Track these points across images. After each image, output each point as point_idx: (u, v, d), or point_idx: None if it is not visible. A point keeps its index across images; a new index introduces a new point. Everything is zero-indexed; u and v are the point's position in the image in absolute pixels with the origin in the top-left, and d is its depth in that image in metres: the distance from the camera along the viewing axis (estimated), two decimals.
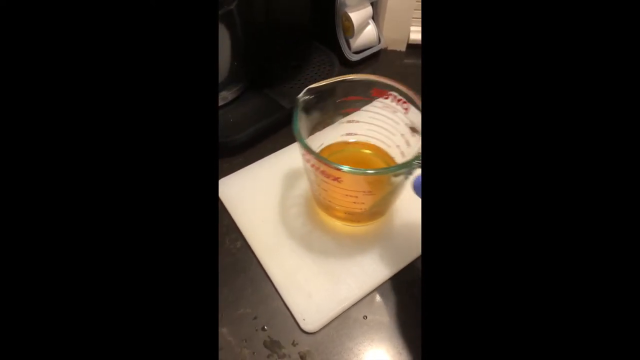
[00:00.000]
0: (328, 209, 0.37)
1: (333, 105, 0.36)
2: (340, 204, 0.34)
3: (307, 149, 0.30)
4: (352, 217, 0.36)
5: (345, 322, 0.32)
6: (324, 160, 0.29)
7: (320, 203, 0.37)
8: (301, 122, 0.32)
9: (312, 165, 0.31)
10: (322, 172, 0.30)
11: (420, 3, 0.53)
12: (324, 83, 0.34)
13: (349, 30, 0.52)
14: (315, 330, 0.32)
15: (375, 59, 0.57)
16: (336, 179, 0.30)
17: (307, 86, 0.49)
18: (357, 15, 0.51)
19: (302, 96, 0.33)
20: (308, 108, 0.33)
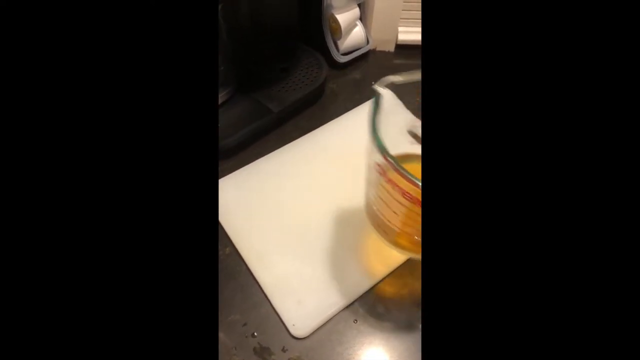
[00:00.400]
0: (390, 234, 0.30)
1: (413, 105, 0.30)
2: (411, 233, 0.28)
3: (389, 158, 0.22)
4: (419, 248, 0.30)
5: (335, 327, 0.32)
6: (414, 179, 0.21)
7: (378, 223, 0.30)
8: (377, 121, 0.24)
9: (389, 181, 0.24)
10: (404, 194, 0.23)
11: (407, 4, 0.53)
12: (409, 78, 0.27)
13: (337, 32, 0.52)
14: (305, 336, 0.32)
15: (364, 60, 0.57)
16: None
17: (294, 89, 0.49)
18: (344, 16, 0.51)
19: (380, 87, 0.26)
20: (382, 104, 0.26)
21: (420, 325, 0.32)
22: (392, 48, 0.57)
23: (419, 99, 0.28)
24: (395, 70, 0.57)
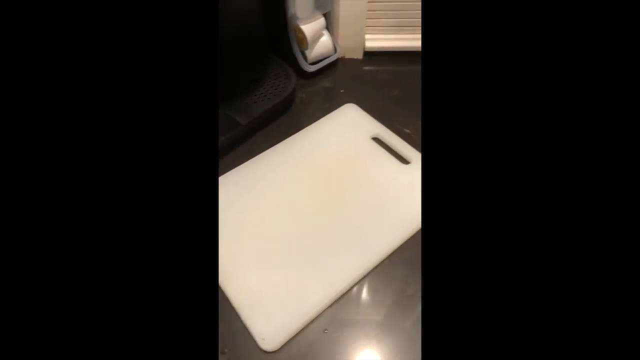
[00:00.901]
0: None
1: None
2: None
3: None
4: None
5: (305, 338, 0.32)
6: None
7: None
8: None
9: None
10: None
11: (371, 12, 0.53)
12: None
13: (303, 42, 0.53)
14: (275, 349, 0.32)
15: (333, 69, 0.57)
16: None
17: (263, 100, 0.49)
18: (310, 27, 0.51)
19: None
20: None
21: (417, 330, 0.32)
22: (360, 55, 0.58)
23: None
24: (364, 77, 0.57)
